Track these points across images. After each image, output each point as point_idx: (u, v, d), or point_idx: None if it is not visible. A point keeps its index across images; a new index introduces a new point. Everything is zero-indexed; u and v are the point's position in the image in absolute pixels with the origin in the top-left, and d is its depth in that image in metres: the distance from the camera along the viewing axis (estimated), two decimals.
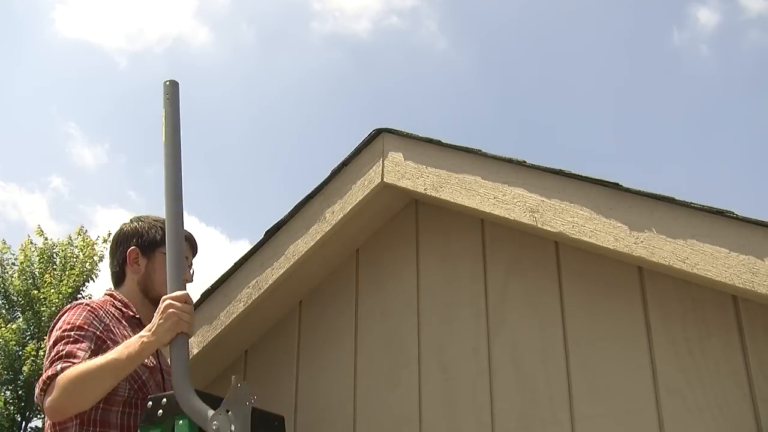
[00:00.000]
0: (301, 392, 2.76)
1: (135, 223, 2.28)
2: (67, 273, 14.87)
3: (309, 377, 2.77)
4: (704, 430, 2.02)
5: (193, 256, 2.34)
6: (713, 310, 2.12)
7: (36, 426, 14.53)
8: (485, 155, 2.42)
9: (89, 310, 2.08)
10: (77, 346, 1.97)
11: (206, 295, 2.82)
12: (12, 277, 15.09)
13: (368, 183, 2.62)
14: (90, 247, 15.48)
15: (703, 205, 2.02)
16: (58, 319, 2.07)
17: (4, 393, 13.73)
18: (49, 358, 1.96)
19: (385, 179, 2.58)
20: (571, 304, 2.34)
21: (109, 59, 28.04)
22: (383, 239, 2.82)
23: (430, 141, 2.54)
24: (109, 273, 2.30)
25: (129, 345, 1.96)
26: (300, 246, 2.69)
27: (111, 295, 2.18)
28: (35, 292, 14.62)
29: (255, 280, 2.74)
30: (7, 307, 14.92)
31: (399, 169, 2.57)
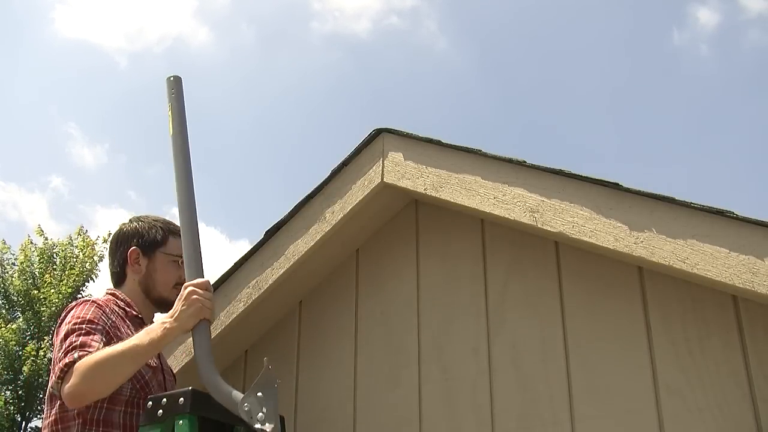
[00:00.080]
0: (301, 392, 2.76)
1: (135, 224, 2.29)
2: (67, 273, 14.87)
3: (309, 377, 2.77)
4: (704, 430, 2.02)
5: None
6: (713, 310, 2.12)
7: (36, 426, 14.52)
8: (485, 155, 2.42)
9: (97, 306, 2.09)
10: (90, 337, 1.97)
11: None
12: (12, 277, 15.09)
13: (368, 183, 2.62)
14: (90, 247, 15.47)
15: (703, 205, 2.02)
16: (66, 315, 2.07)
17: (4, 393, 13.72)
18: (63, 349, 1.95)
19: (385, 179, 2.58)
20: (571, 304, 2.34)
21: (109, 59, 28.03)
22: (383, 239, 2.82)
23: (430, 141, 2.54)
24: (109, 273, 2.30)
25: (151, 331, 1.97)
26: (300, 246, 2.69)
27: (113, 295, 2.19)
28: (35, 292, 14.62)
29: (255, 280, 2.74)
30: (7, 307, 14.92)
31: (399, 169, 2.57)
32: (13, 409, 13.93)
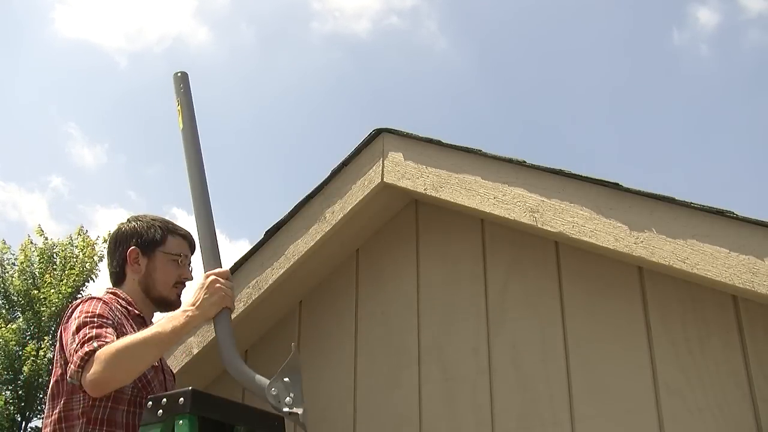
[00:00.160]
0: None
1: (133, 223, 2.28)
2: (67, 273, 14.87)
3: (309, 377, 2.76)
4: (704, 430, 2.02)
5: (191, 254, 2.35)
6: (713, 310, 2.12)
7: (36, 426, 14.52)
8: (485, 155, 2.42)
9: (104, 303, 2.10)
10: (104, 329, 1.97)
11: None
12: (12, 277, 15.10)
13: (368, 183, 2.62)
14: (90, 247, 15.48)
15: (703, 205, 2.02)
16: (73, 311, 2.06)
17: (4, 393, 13.72)
18: (78, 341, 1.93)
19: (385, 179, 2.58)
20: (571, 304, 2.34)
21: (108, 59, 28.04)
22: (383, 239, 2.82)
23: (430, 141, 2.54)
24: (108, 273, 2.30)
25: (173, 318, 1.98)
26: (300, 246, 2.69)
27: (114, 294, 2.18)
28: (35, 292, 14.62)
29: (255, 280, 2.74)
30: (7, 307, 14.92)
31: (399, 169, 2.57)
32: (13, 409, 13.93)
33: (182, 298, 2.30)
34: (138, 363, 1.94)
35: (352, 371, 2.68)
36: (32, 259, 15.29)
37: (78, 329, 1.97)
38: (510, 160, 2.36)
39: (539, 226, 2.23)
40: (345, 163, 2.71)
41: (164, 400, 1.93)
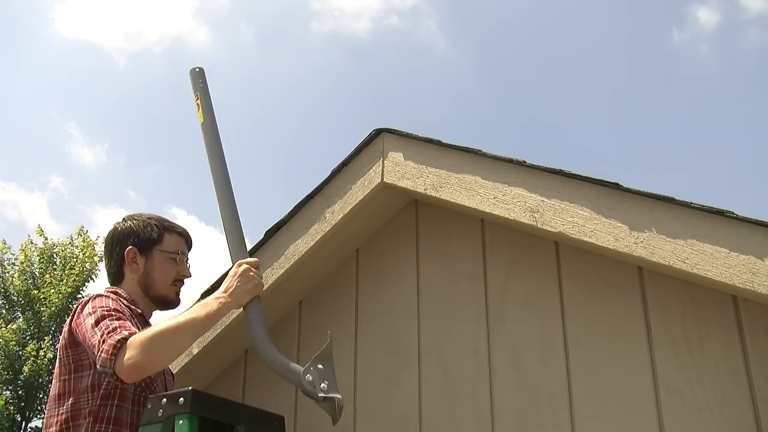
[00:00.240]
0: (301, 392, 2.76)
1: (129, 222, 2.28)
2: (67, 273, 14.87)
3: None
4: (704, 430, 2.02)
5: (189, 251, 2.35)
6: (713, 310, 2.12)
7: (36, 426, 14.52)
8: (485, 155, 2.42)
9: (114, 299, 2.10)
10: (123, 322, 1.98)
11: (206, 294, 2.81)
12: (12, 277, 15.10)
13: (368, 183, 2.62)
14: (90, 247, 15.48)
15: (703, 205, 2.01)
16: (83, 307, 2.06)
17: (4, 393, 13.72)
18: (102, 332, 1.93)
19: (385, 179, 2.58)
20: (571, 304, 2.34)
21: (108, 59, 28.06)
22: (383, 239, 2.82)
23: (430, 141, 2.54)
24: (106, 273, 2.30)
25: (206, 304, 2.01)
26: (300, 246, 2.69)
27: (115, 293, 2.18)
28: (35, 292, 14.62)
29: None
30: (7, 307, 14.93)
31: (399, 169, 2.57)
32: (13, 409, 13.94)
33: (180, 296, 2.30)
34: (173, 348, 1.95)
35: (352, 371, 2.67)
36: (32, 259, 15.30)
37: (97, 322, 1.97)
38: (510, 160, 2.36)
39: (539, 226, 2.23)
40: (345, 163, 2.71)
41: (164, 400, 1.93)
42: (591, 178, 2.20)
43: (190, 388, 1.94)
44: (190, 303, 2.79)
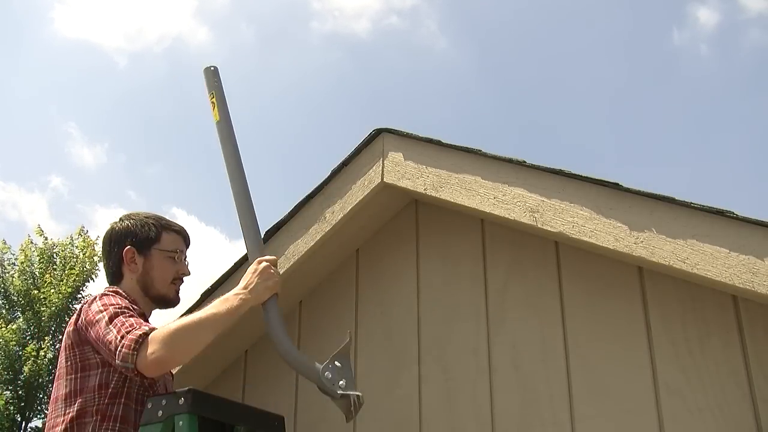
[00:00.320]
0: (301, 392, 2.76)
1: (126, 222, 2.27)
2: (67, 273, 14.88)
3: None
4: (704, 430, 2.02)
5: (187, 249, 2.35)
6: (713, 310, 2.12)
7: (36, 426, 14.53)
8: (485, 155, 2.42)
9: (122, 297, 2.11)
10: (137, 319, 2.00)
11: (206, 295, 2.82)
12: (12, 277, 15.10)
13: (368, 183, 2.62)
14: (90, 247, 15.49)
15: (703, 205, 2.01)
16: (90, 305, 2.06)
17: (4, 393, 13.72)
18: (118, 328, 1.94)
19: (385, 179, 2.58)
20: (571, 304, 2.34)
21: (108, 59, 28.07)
22: (383, 239, 2.82)
23: (430, 141, 2.54)
24: (105, 272, 2.30)
25: (226, 300, 2.03)
26: (300, 246, 2.69)
27: (117, 292, 2.18)
28: (35, 292, 14.63)
29: None
30: (7, 307, 14.94)
31: (399, 169, 2.57)
32: (13, 409, 13.94)
33: (180, 295, 2.30)
34: (195, 343, 1.97)
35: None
36: (32, 259, 15.30)
37: (111, 319, 1.98)
38: (510, 160, 2.36)
39: (539, 226, 2.23)
40: (345, 163, 2.71)
41: (164, 400, 1.93)
42: (591, 178, 2.20)
43: (190, 388, 1.95)
44: (190, 303, 2.80)
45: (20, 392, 13.97)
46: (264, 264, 2.13)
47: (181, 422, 1.88)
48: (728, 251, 1.93)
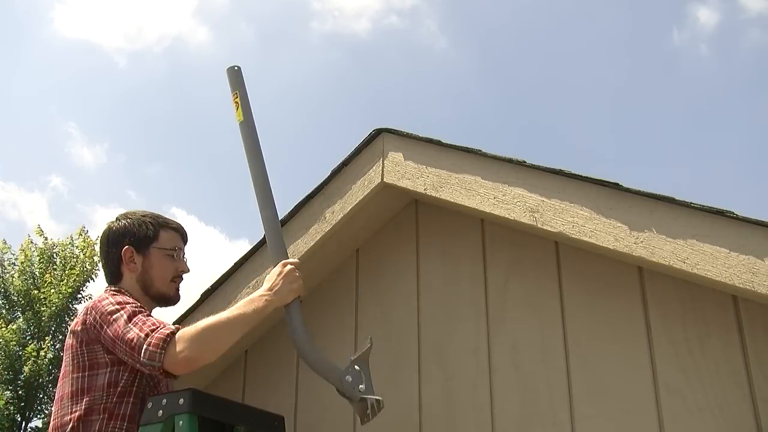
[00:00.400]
0: (301, 392, 2.76)
1: (123, 221, 2.27)
2: (67, 273, 14.88)
3: (309, 377, 2.77)
4: (704, 430, 2.02)
5: (185, 246, 2.35)
6: (713, 310, 2.12)
7: (36, 426, 14.53)
8: (485, 155, 2.42)
9: (130, 296, 2.12)
10: (158, 318, 2.04)
11: (206, 295, 2.82)
12: (12, 277, 15.10)
13: (368, 183, 2.62)
14: (90, 247, 15.49)
15: (703, 205, 2.01)
16: (101, 302, 2.06)
17: (5, 393, 13.73)
18: (142, 326, 1.96)
19: (385, 179, 2.58)
20: (571, 304, 2.34)
21: (108, 59, 28.09)
22: (383, 239, 2.82)
23: (430, 141, 2.54)
24: (103, 272, 2.30)
25: (252, 301, 2.06)
26: (300, 246, 2.69)
27: (119, 291, 2.17)
28: (35, 292, 14.63)
29: (255, 281, 2.73)
30: (7, 307, 14.94)
31: (399, 169, 2.57)
32: (13, 409, 13.95)
33: (180, 292, 2.30)
34: (222, 343, 2.00)
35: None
36: (32, 259, 15.30)
37: (130, 318, 1.99)
38: (510, 160, 2.36)
39: (539, 226, 2.23)
40: (345, 163, 2.71)
41: (164, 400, 1.93)
42: (591, 178, 2.20)
43: (190, 388, 1.95)
44: (191, 302, 2.80)
45: (20, 392, 13.98)
46: (289, 267, 2.15)
47: (181, 422, 1.88)
48: (728, 251, 1.93)
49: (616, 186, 2.15)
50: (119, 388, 2.00)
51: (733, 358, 2.06)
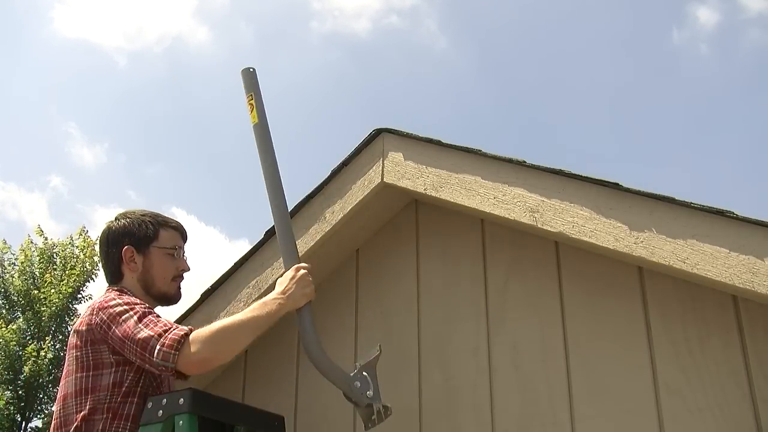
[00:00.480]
0: (301, 392, 2.76)
1: (123, 221, 2.26)
2: (67, 273, 14.88)
3: (309, 377, 2.77)
4: (704, 430, 2.02)
5: (185, 244, 2.35)
6: (713, 310, 2.12)
7: (36, 426, 14.53)
8: (485, 155, 2.42)
9: (133, 296, 2.13)
10: (168, 320, 2.05)
11: (206, 295, 2.82)
12: (12, 277, 15.11)
13: (368, 183, 2.62)
14: (90, 247, 15.49)
15: (703, 205, 2.02)
16: (108, 302, 2.06)
17: (5, 393, 13.73)
18: (153, 327, 1.97)
19: (385, 179, 2.58)
20: (571, 304, 2.34)
21: (108, 59, 28.10)
22: (383, 239, 2.82)
23: (430, 141, 2.54)
24: (104, 272, 2.30)
25: (265, 304, 2.08)
26: (300, 246, 2.69)
27: (121, 291, 2.17)
28: (35, 292, 14.63)
29: (255, 280, 2.74)
30: (7, 307, 14.94)
31: (399, 169, 2.57)
32: (13, 409, 13.95)
33: (182, 291, 2.30)
34: (236, 344, 2.02)
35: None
36: (32, 259, 15.31)
37: (140, 318, 2.00)
38: (510, 160, 2.36)
39: (539, 226, 2.23)
40: (345, 163, 2.71)
41: (164, 400, 1.94)
42: (591, 178, 2.20)
43: (190, 388, 1.95)
44: (191, 302, 2.80)
45: (20, 392, 13.98)
46: (302, 271, 2.18)
47: (181, 422, 1.88)
48: (728, 251, 1.93)
49: (616, 186, 2.15)
50: (123, 389, 2.00)
51: (733, 358, 2.06)
